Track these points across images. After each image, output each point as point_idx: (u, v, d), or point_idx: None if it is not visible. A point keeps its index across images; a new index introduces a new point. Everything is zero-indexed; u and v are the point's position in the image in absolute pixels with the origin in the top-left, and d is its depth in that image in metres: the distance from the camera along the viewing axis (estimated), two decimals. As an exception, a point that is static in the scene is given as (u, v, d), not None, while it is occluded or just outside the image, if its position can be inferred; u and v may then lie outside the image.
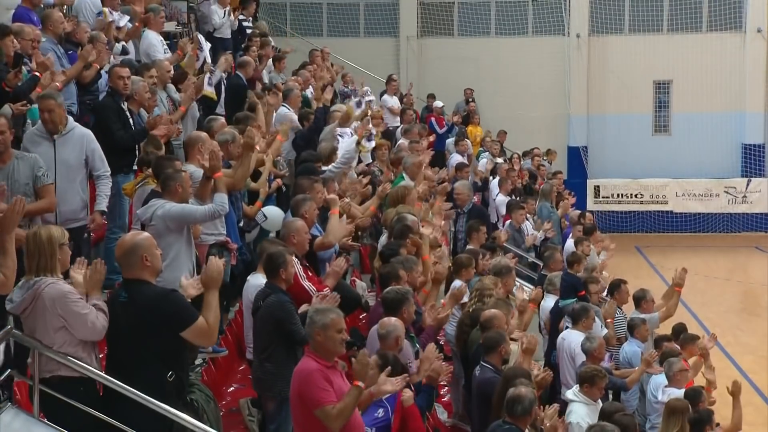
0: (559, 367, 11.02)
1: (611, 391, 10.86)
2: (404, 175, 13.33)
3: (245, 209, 10.06)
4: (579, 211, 18.77)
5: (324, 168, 11.59)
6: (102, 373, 6.03)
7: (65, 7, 12.55)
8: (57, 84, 9.52)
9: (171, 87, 11.74)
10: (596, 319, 11.43)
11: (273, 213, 10.03)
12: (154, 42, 12.89)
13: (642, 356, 11.13)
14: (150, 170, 8.69)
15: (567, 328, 11.37)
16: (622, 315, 12.65)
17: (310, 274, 8.37)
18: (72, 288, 6.03)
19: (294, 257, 7.98)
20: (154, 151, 9.03)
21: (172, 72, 11.85)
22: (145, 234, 6.49)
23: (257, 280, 8.12)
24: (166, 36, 14.73)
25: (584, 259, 13.26)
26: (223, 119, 10.84)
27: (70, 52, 11.05)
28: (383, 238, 11.03)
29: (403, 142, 16.54)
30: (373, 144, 15.13)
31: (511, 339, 9.23)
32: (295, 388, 6.37)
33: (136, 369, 6.00)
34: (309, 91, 15.53)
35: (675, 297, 12.80)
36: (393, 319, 7.64)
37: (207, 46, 14.01)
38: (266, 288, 7.65)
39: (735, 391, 10.63)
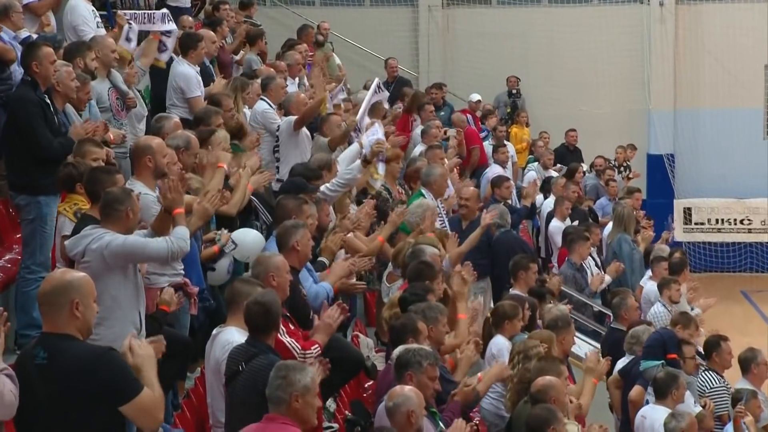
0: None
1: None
2: (423, 191, 13.30)
3: (206, 238, 9.95)
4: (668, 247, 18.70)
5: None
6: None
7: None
8: None
9: (117, 75, 11.75)
10: (689, 392, 11.40)
11: (246, 238, 9.93)
12: (83, 13, 12.94)
13: None
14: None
15: (648, 402, 11.35)
16: (724, 384, 12.61)
17: (292, 327, 8.38)
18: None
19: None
20: (81, 162, 9.02)
21: (117, 54, 11.89)
22: (83, 275, 6.41)
23: (228, 334, 8.13)
24: (102, 5, 14.81)
25: (694, 323, 13.06)
26: (177, 118, 10.90)
27: None
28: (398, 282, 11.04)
29: (420, 148, 16.45)
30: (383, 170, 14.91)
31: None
32: None
33: (60, 457, 5.99)
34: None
35: None
36: (406, 387, 7.67)
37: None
38: (249, 346, 7.67)
39: None
